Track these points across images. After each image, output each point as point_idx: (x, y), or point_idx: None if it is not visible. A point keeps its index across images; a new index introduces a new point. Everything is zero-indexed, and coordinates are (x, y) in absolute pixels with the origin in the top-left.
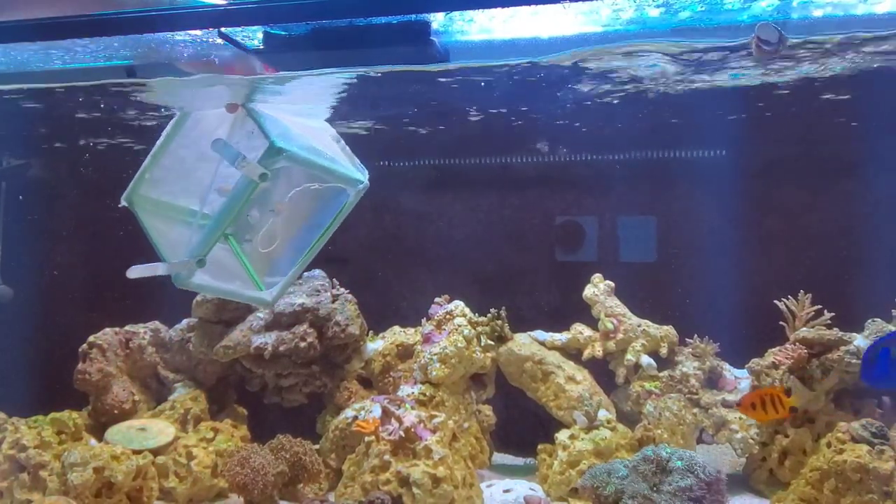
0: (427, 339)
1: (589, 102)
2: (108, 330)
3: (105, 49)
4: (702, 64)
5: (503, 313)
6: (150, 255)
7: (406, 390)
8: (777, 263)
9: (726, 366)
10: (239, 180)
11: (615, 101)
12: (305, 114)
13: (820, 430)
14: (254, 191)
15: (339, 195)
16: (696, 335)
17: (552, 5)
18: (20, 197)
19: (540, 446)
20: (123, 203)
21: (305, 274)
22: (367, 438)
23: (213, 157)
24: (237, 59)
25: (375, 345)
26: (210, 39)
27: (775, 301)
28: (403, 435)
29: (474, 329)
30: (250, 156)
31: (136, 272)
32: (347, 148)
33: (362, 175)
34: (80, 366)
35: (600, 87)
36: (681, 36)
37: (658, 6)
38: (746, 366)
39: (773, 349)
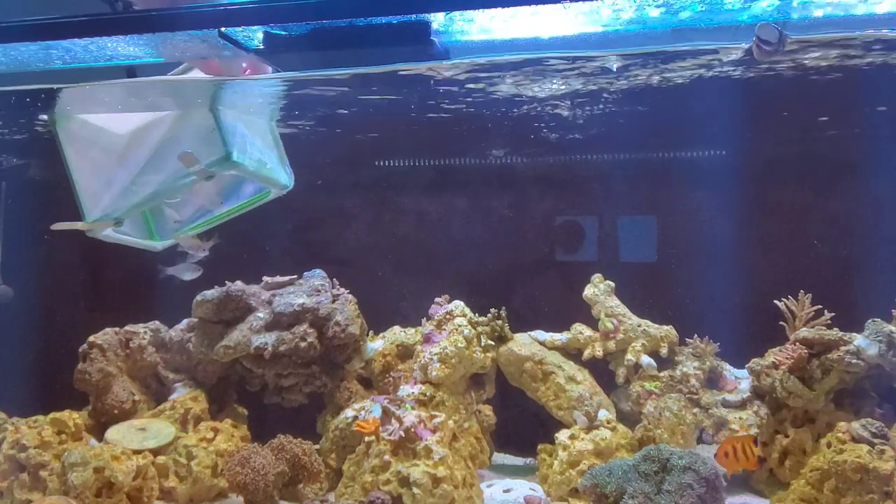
0: (427, 339)
1: (588, 100)
2: (108, 330)
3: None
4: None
5: (503, 313)
6: (152, 256)
7: (406, 390)
8: (777, 263)
9: (726, 366)
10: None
11: (614, 100)
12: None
13: (820, 430)
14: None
15: (260, 185)
16: (696, 335)
17: (552, 5)
18: (20, 197)
19: (540, 446)
20: (43, 117)
21: (305, 273)
22: (367, 438)
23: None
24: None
25: (375, 345)
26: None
27: (775, 301)
28: (403, 435)
29: (474, 329)
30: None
31: (59, 226)
32: (282, 146)
33: (289, 180)
34: (80, 366)
35: (596, 84)
36: (681, 36)
37: (658, 6)
38: (746, 366)
39: (774, 349)
